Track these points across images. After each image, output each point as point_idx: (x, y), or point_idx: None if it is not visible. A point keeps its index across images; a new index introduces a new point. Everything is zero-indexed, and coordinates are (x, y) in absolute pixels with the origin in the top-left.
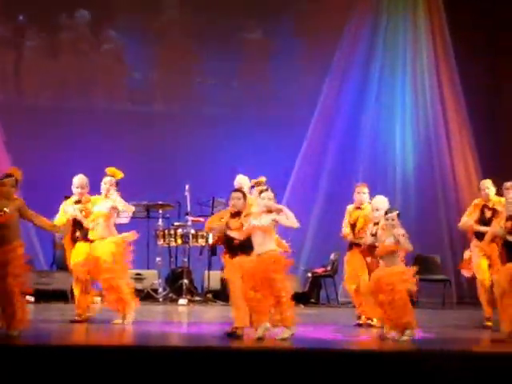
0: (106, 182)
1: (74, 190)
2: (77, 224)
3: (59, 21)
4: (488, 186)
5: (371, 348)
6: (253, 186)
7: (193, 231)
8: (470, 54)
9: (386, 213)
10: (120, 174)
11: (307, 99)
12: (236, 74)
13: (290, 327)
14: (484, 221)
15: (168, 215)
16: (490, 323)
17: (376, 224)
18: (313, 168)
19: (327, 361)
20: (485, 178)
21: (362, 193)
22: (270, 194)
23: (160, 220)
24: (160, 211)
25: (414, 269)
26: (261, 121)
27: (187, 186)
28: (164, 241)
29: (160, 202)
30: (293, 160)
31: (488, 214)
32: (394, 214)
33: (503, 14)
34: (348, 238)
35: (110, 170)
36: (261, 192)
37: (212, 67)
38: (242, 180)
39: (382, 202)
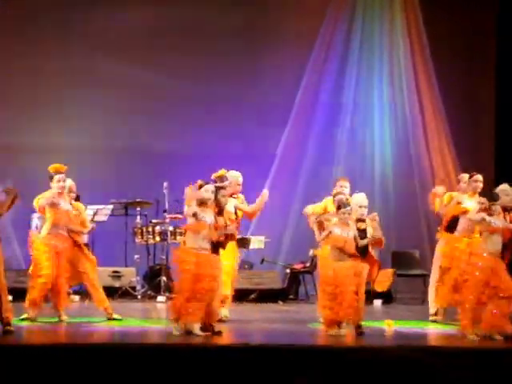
0: (61, 180)
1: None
2: None
3: None
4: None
5: (347, 344)
6: (214, 181)
7: (171, 228)
8: (447, 52)
9: (340, 207)
10: (63, 168)
11: (285, 97)
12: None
13: None
14: None
15: (146, 213)
16: None
17: (360, 221)
18: (291, 164)
19: (300, 357)
20: (461, 168)
21: (344, 187)
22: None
23: (138, 217)
24: (138, 209)
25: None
26: (238, 117)
27: (165, 184)
28: (142, 238)
29: (138, 200)
30: (271, 157)
31: None
32: (349, 208)
33: (480, 14)
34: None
35: (53, 167)
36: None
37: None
38: (234, 175)
39: (364, 198)
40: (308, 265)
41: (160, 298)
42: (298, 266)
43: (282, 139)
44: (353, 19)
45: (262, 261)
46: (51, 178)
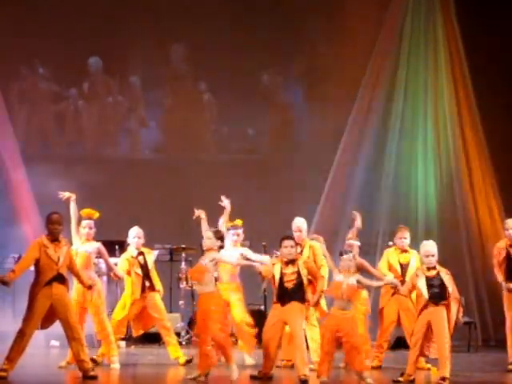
0: (86, 226)
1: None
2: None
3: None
4: None
5: None
6: (228, 229)
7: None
8: (490, 95)
9: (341, 254)
10: (96, 214)
11: (328, 142)
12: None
13: None
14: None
15: (191, 258)
16: None
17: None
18: (335, 209)
19: None
20: (508, 217)
21: (403, 238)
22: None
23: (183, 263)
24: (183, 254)
25: None
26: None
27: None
28: (187, 284)
29: (183, 246)
30: (316, 200)
31: None
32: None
33: None
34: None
35: (85, 211)
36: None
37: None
38: (299, 222)
39: (431, 247)
40: None
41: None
42: None
43: (328, 181)
44: (397, 63)
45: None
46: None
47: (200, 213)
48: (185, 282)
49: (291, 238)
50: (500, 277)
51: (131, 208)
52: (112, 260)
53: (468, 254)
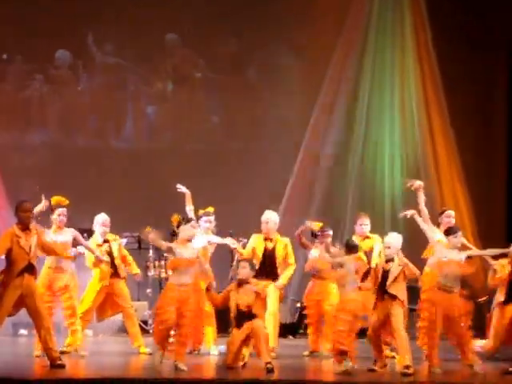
0: (61, 214)
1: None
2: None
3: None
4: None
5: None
6: (200, 216)
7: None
8: (457, 76)
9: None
10: (66, 201)
11: (297, 123)
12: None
13: None
14: None
15: None
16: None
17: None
18: (302, 196)
19: None
20: (473, 206)
21: (363, 224)
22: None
23: (151, 251)
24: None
25: None
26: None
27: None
28: (155, 272)
29: None
30: (282, 187)
31: None
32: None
33: (491, 52)
34: None
35: (55, 199)
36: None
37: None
38: (270, 215)
39: (396, 237)
40: None
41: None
42: None
43: (292, 175)
44: (363, 53)
45: None
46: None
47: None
48: (153, 270)
49: (247, 260)
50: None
51: (99, 196)
52: (81, 248)
53: None
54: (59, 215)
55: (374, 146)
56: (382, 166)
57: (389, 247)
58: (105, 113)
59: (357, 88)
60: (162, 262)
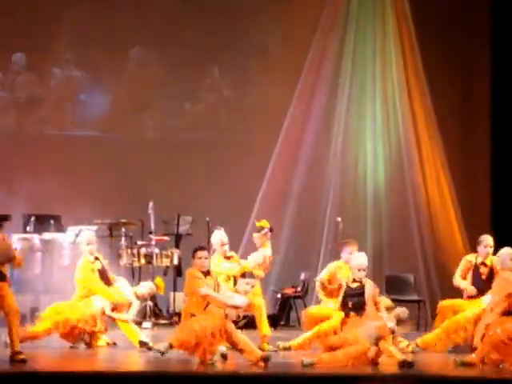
0: None
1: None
2: None
3: None
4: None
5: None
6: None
7: (157, 251)
8: (440, 65)
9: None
10: None
11: (275, 112)
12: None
13: None
14: None
15: (131, 234)
16: None
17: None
18: (282, 185)
19: None
20: (457, 192)
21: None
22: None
23: (123, 239)
24: (123, 230)
25: None
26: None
27: (151, 204)
28: (127, 260)
29: (123, 220)
30: (260, 177)
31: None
32: None
33: (473, 39)
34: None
35: None
36: None
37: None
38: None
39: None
40: (299, 289)
41: (146, 324)
42: (289, 291)
43: (271, 161)
44: (343, 41)
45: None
46: None
47: None
48: (125, 259)
49: (204, 248)
50: (463, 282)
51: (71, 183)
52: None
53: (417, 231)
54: None
55: (355, 135)
56: (365, 155)
57: (364, 269)
58: None
59: (337, 77)
60: (135, 251)
